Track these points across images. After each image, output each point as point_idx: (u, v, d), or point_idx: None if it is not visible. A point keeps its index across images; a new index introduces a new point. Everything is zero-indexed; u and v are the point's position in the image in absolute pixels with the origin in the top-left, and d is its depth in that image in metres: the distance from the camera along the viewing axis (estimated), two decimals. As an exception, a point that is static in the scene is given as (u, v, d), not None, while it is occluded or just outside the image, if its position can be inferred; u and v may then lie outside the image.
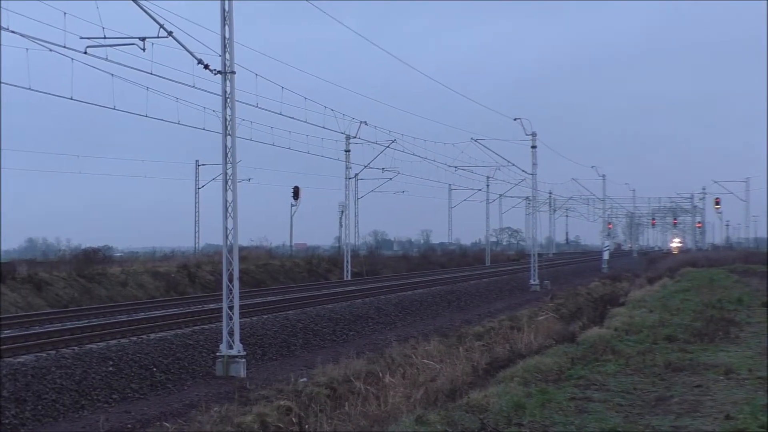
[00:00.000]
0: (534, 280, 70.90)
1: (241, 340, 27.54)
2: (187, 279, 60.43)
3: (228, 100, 27.31)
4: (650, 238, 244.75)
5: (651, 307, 34.61)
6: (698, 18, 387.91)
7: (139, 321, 34.51)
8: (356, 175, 78.52)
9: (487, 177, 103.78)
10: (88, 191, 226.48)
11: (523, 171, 79.55)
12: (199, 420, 17.99)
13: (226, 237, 27.50)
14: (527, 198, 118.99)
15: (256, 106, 36.69)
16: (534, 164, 73.44)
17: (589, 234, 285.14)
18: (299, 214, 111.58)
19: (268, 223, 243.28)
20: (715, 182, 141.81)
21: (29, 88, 28.18)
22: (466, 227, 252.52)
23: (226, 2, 26.87)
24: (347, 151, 70.89)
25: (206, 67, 27.31)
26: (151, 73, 28.36)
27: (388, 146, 69.62)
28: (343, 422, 16.95)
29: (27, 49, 27.40)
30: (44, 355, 25.00)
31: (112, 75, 29.65)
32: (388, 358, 23.97)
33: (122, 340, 28.62)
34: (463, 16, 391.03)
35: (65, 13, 26.66)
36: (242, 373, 26.74)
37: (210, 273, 61.94)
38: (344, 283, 65.76)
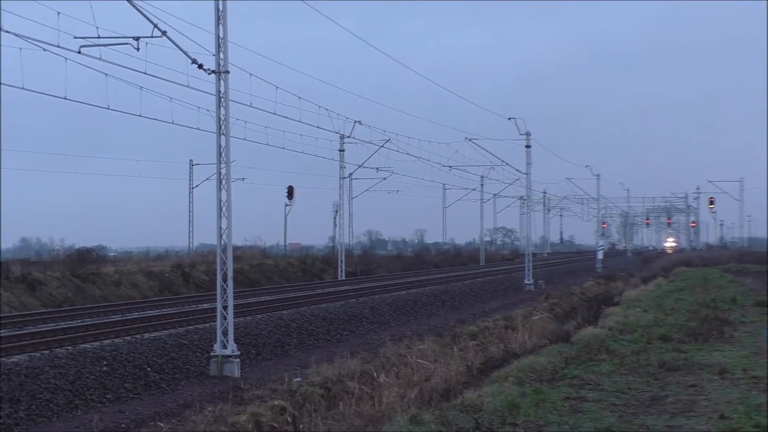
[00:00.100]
0: (528, 280, 70.91)
1: (236, 340, 27.51)
2: (181, 279, 60.35)
3: (222, 99, 27.29)
4: (644, 238, 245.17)
5: (645, 307, 34.64)
6: (697, 18, 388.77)
7: (133, 321, 34.47)
8: (350, 174, 78.59)
9: (482, 176, 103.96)
10: (82, 191, 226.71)
11: (517, 170, 79.63)
12: (193, 420, 17.96)
13: (221, 237, 27.48)
14: (521, 197, 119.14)
15: (251, 106, 36.73)
16: (528, 164, 73.48)
17: (584, 233, 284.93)
18: (293, 213, 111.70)
19: (262, 222, 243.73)
20: (710, 182, 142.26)
21: (23, 88, 28.18)
22: (461, 227, 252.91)
23: (220, 2, 26.84)
24: (341, 150, 70.85)
25: (200, 66, 27.28)
26: (145, 73, 28.36)
27: (382, 146, 69.71)
28: (338, 422, 16.94)
29: (20, 48, 27.40)
30: (38, 354, 24.96)
31: (106, 75, 29.64)
32: (383, 358, 23.96)
33: (116, 340, 28.58)
34: (462, 16, 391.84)
35: (59, 13, 26.63)
36: (236, 373, 26.71)
37: (204, 273, 61.87)
38: (338, 283, 65.71)
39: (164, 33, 26.31)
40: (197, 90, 30.48)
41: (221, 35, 27.00)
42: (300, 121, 46.83)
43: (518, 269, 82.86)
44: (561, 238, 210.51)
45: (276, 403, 18.26)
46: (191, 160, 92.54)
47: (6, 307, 41.69)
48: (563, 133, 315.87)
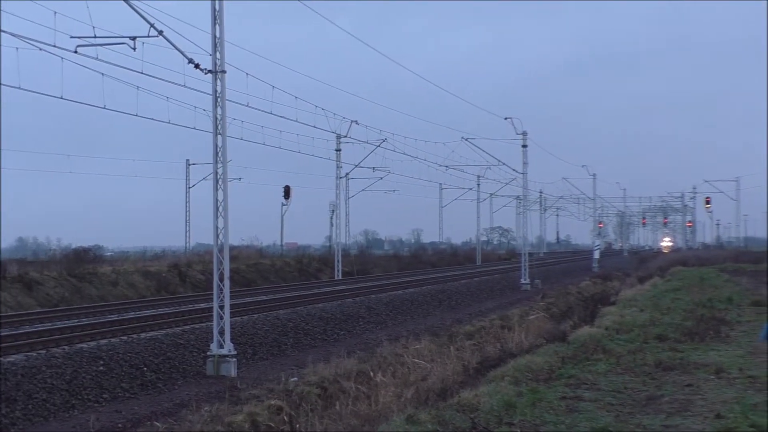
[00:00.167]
0: (525, 280, 70.93)
1: (232, 340, 27.52)
2: (178, 278, 60.35)
3: (218, 99, 27.28)
4: (641, 238, 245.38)
5: (642, 307, 34.65)
6: (695, 18, 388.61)
7: (129, 320, 34.47)
8: (347, 174, 78.59)
9: (478, 176, 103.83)
10: (79, 191, 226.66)
11: (513, 170, 79.64)
12: (189, 419, 17.97)
13: (217, 236, 27.48)
14: (518, 197, 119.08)
15: (247, 106, 36.69)
16: (525, 163, 73.46)
17: (580, 233, 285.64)
18: (290, 213, 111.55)
19: (258, 222, 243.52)
20: (706, 181, 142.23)
21: (19, 88, 28.16)
22: (457, 226, 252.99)
23: (217, 2, 26.84)
24: (338, 150, 70.82)
25: (197, 66, 27.27)
26: (142, 73, 28.34)
27: (378, 145, 69.67)
28: (334, 421, 16.95)
29: (17, 48, 27.39)
30: (34, 354, 24.96)
31: (103, 74, 29.63)
32: (379, 358, 23.98)
33: (113, 340, 28.58)
34: (459, 16, 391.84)
35: (55, 13, 26.63)
36: (233, 373, 26.72)
37: (201, 272, 61.87)
38: (335, 283, 65.72)
39: (161, 33, 26.30)
40: (194, 90, 30.52)
41: (218, 35, 27.00)
42: (297, 121, 46.81)
43: (515, 269, 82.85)
44: (557, 238, 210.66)
45: (273, 402, 18.28)
46: (188, 160, 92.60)
47: (3, 306, 41.67)
48: (560, 133, 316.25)
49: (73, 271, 52.09)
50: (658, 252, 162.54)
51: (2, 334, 29.02)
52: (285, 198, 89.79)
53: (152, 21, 26.20)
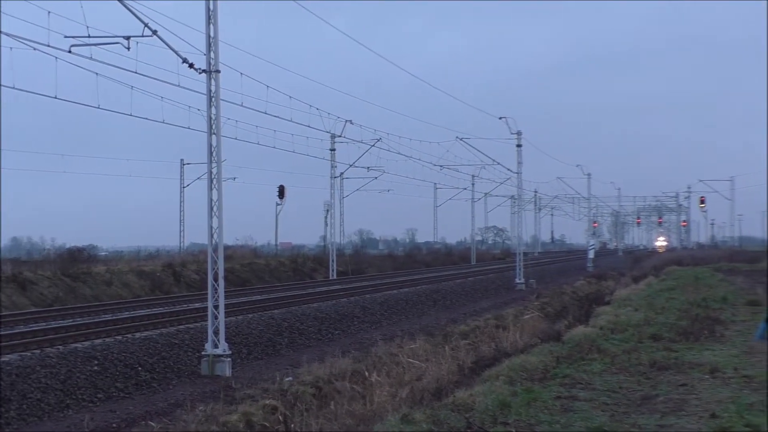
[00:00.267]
0: (519, 279, 70.96)
1: (227, 339, 27.51)
2: (172, 278, 60.31)
3: (213, 99, 27.27)
4: (635, 237, 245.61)
5: (636, 306, 34.66)
6: (692, 17, 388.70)
7: (124, 320, 34.44)
8: (341, 174, 78.50)
9: (473, 176, 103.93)
10: (73, 190, 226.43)
11: (508, 170, 79.68)
12: (184, 419, 17.95)
13: (211, 236, 27.47)
14: (512, 197, 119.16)
15: (241, 105, 36.72)
16: (519, 163, 73.48)
17: (575, 233, 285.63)
18: (284, 213, 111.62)
19: (253, 222, 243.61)
20: (701, 181, 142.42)
21: (13, 87, 28.13)
22: (452, 226, 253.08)
23: (211, 1, 26.83)
24: (332, 150, 70.79)
25: (191, 66, 27.26)
26: (136, 72, 28.32)
27: (373, 145, 69.70)
28: (329, 421, 16.93)
29: (11, 48, 27.35)
30: (29, 354, 24.93)
31: (97, 74, 29.62)
32: (374, 357, 23.96)
33: (107, 340, 28.55)
34: (456, 15, 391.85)
35: (49, 12, 26.60)
36: (227, 373, 26.71)
37: (195, 272, 61.82)
38: (329, 282, 65.72)
39: (155, 32, 26.28)
40: (188, 89, 30.48)
41: (212, 34, 26.99)
42: (291, 121, 46.83)
43: (509, 268, 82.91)
44: (552, 238, 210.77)
45: (267, 402, 18.25)
46: (182, 160, 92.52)
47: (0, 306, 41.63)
48: (555, 133, 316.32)
49: (67, 271, 52.02)
50: (653, 251, 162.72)
51: (-4, 333, 29.01)
52: (279, 197, 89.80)
53: (146, 20, 26.20)
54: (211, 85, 27.23)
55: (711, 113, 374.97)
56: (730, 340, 24.98)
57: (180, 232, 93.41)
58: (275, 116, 43.71)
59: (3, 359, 23.81)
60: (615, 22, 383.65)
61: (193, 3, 30.59)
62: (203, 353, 27.15)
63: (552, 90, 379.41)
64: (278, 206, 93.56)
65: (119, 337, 29.16)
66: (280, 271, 74.35)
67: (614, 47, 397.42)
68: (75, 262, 57.04)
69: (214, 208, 27.43)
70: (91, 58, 26.74)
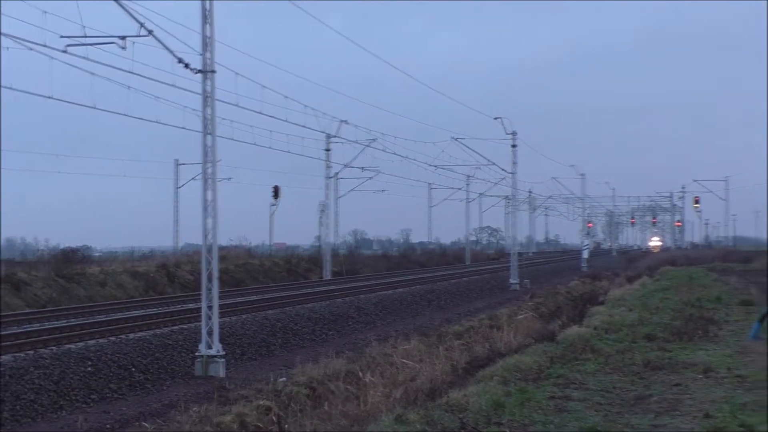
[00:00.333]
0: (514, 279, 70.99)
1: (221, 340, 27.49)
2: (167, 279, 60.26)
3: (208, 99, 27.27)
4: (629, 237, 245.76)
5: (630, 306, 34.69)
6: (688, 17, 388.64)
7: (117, 321, 34.42)
8: (336, 174, 78.51)
9: (467, 176, 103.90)
10: (67, 191, 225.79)
11: (503, 170, 79.71)
12: (178, 420, 17.96)
13: (206, 236, 27.46)
14: (507, 197, 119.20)
15: (237, 105, 36.70)
16: (514, 163, 73.56)
17: (569, 233, 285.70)
18: (279, 213, 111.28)
19: (247, 222, 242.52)
20: (695, 181, 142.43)
21: (9, 87, 28.13)
22: (446, 226, 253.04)
23: (207, 1, 26.81)
24: (327, 150, 70.78)
25: (186, 66, 27.25)
26: (132, 72, 28.32)
27: (368, 145, 69.69)
28: (323, 422, 16.93)
29: (7, 48, 27.34)
30: (22, 355, 24.90)
31: (92, 74, 29.63)
32: (368, 358, 23.97)
33: (101, 340, 28.53)
34: (452, 15, 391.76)
35: (45, 12, 26.62)
36: (221, 373, 26.69)
37: (189, 272, 61.78)
38: (324, 283, 65.71)
39: (150, 32, 26.28)
40: (183, 89, 30.52)
41: (208, 35, 26.99)
42: (286, 121, 46.89)
43: (504, 269, 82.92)
44: (546, 238, 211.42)
45: (261, 403, 18.26)
46: (177, 160, 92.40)
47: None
48: (549, 133, 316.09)
49: (61, 272, 51.94)
50: (647, 251, 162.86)
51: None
52: (274, 198, 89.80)
53: (142, 20, 26.22)
54: (206, 85, 27.23)
55: (709, 113, 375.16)
56: (724, 340, 25.01)
57: (174, 232, 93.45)
58: (270, 116, 43.79)
59: (-3, 360, 23.80)
60: (613, 22, 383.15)
61: (189, 3, 30.55)
62: (197, 354, 27.14)
63: (548, 90, 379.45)
64: (273, 206, 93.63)
65: (113, 338, 29.13)
66: (274, 271, 74.33)
67: (612, 47, 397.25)
68: (69, 263, 56.96)
69: (209, 209, 27.42)
70: (86, 58, 26.77)
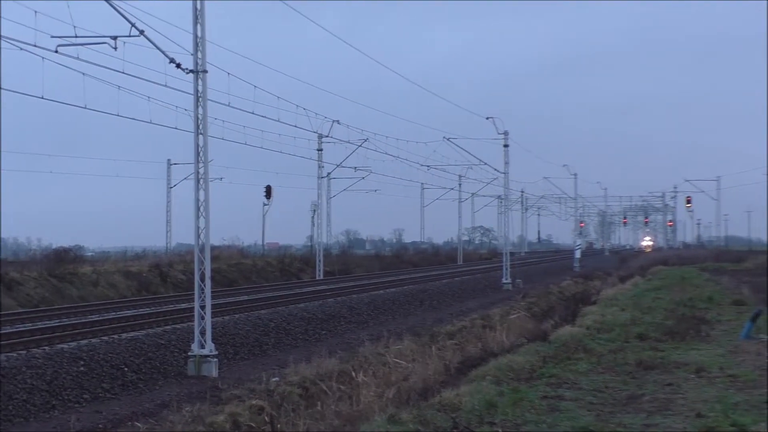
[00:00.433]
0: (506, 279, 70.97)
1: (213, 340, 27.47)
2: (159, 278, 60.20)
3: (200, 99, 27.24)
4: (622, 237, 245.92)
5: (623, 306, 34.77)
6: (683, 17, 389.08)
7: (110, 321, 34.37)
8: (329, 174, 78.56)
9: (460, 176, 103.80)
10: (59, 191, 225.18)
11: (495, 170, 79.67)
12: (170, 420, 17.93)
13: (198, 236, 27.44)
14: (499, 197, 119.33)
15: (229, 105, 36.62)
16: (506, 163, 73.54)
17: (561, 233, 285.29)
18: (271, 213, 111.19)
19: (240, 222, 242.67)
20: (687, 181, 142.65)
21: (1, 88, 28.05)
22: (439, 226, 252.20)
23: (198, 1, 26.79)
24: (319, 150, 70.74)
25: (178, 66, 27.22)
26: (123, 72, 28.28)
27: (360, 145, 69.61)
28: (316, 421, 16.93)
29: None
30: (15, 355, 24.86)
31: (84, 74, 29.52)
32: (361, 357, 23.96)
33: (93, 340, 28.49)
34: (443, 15, 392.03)
35: (36, 12, 26.55)
36: (214, 373, 26.67)
37: (182, 272, 61.71)
38: (316, 283, 65.69)
39: (142, 32, 26.25)
40: (175, 89, 30.44)
41: (199, 34, 26.96)
42: (278, 121, 46.73)
43: (496, 268, 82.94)
44: (539, 238, 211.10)
45: (254, 402, 18.25)
46: (169, 160, 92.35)
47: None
48: (542, 133, 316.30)
49: (53, 272, 51.88)
50: (639, 251, 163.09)
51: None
52: (266, 198, 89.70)
53: (133, 20, 26.17)
54: (198, 85, 27.20)
55: (700, 113, 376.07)
56: (716, 339, 25.07)
57: (167, 232, 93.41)
58: (262, 116, 43.67)
59: (-11, 360, 23.77)
60: (604, 22, 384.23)
61: (181, 3, 30.53)
62: (190, 354, 27.11)
63: (540, 90, 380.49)
64: (265, 206, 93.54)
65: (105, 338, 29.10)
66: (267, 271, 74.29)
67: (604, 48, 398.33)
68: (61, 263, 56.83)
69: (201, 209, 27.40)
70: (77, 58, 26.72)
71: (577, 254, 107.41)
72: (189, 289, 42.15)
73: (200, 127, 27.30)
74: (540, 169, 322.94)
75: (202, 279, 27.22)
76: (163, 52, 27.03)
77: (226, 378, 26.12)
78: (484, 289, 66.41)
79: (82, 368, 24.44)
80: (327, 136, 68.06)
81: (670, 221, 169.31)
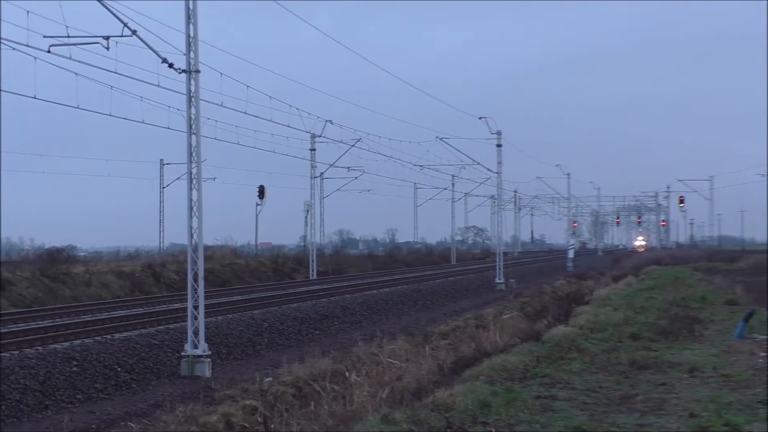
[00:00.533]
0: (499, 279, 70.98)
1: (207, 340, 27.45)
2: (152, 278, 60.13)
3: (192, 99, 27.22)
4: (615, 237, 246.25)
5: (616, 306, 34.79)
6: (679, 18, 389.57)
7: (103, 321, 34.32)
8: (321, 174, 78.51)
9: (453, 176, 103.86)
10: (52, 191, 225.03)
11: (488, 170, 79.72)
12: (164, 420, 17.90)
13: (191, 236, 27.41)
14: (492, 197, 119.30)
15: (221, 105, 36.62)
16: (499, 163, 73.53)
17: (555, 233, 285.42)
18: (264, 213, 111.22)
19: (233, 222, 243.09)
20: (680, 180, 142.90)
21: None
22: (432, 226, 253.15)
23: (191, 1, 26.77)
24: (312, 150, 70.76)
25: (171, 65, 27.19)
26: (116, 72, 28.25)
27: (353, 145, 69.64)
28: (309, 421, 16.92)
29: (-3, 49, 27.22)
30: (7, 355, 24.81)
31: (76, 74, 29.49)
32: (354, 357, 23.95)
33: (86, 340, 28.46)
34: (437, 16, 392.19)
35: (28, 12, 26.51)
36: (207, 373, 26.65)
37: (175, 272, 61.65)
38: (310, 282, 65.66)
39: (134, 32, 26.22)
40: (168, 89, 30.39)
41: (192, 34, 26.94)
42: (271, 121, 46.73)
43: (489, 268, 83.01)
44: (532, 237, 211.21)
45: (247, 402, 18.22)
46: (162, 160, 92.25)
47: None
48: (535, 133, 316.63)
49: (46, 272, 51.80)
50: (633, 251, 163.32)
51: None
52: (259, 198, 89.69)
53: (126, 20, 26.14)
54: (190, 85, 27.18)
55: (694, 113, 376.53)
56: (709, 339, 25.10)
57: (160, 232, 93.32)
58: (255, 116, 43.70)
59: (-19, 360, 23.72)
60: (599, 23, 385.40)
61: (173, 3, 30.51)
62: (183, 354, 27.09)
63: (533, 90, 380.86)
64: (258, 206, 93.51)
65: (99, 338, 29.07)
66: (260, 271, 74.26)
67: (597, 48, 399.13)
68: (54, 263, 56.72)
69: (194, 209, 27.38)
70: (70, 58, 26.68)
71: (570, 254, 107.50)
72: (182, 289, 42.12)
73: (193, 127, 27.28)
74: (533, 169, 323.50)
75: (195, 279, 27.20)
76: (155, 52, 27.00)
77: (220, 378, 26.09)
78: (477, 289, 66.43)
79: (75, 368, 24.41)
80: (320, 136, 68.12)
81: (663, 221, 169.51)
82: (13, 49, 25.97)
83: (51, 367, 23.88)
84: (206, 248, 32.14)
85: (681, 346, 23.35)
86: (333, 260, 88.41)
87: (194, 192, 27.39)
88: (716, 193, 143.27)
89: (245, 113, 41.12)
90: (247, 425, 16.98)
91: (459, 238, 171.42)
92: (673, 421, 14.07)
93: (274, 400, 18.95)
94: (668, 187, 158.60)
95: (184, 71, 27.14)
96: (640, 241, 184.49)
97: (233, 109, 39.41)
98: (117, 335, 29.96)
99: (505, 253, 78.71)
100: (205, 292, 28.20)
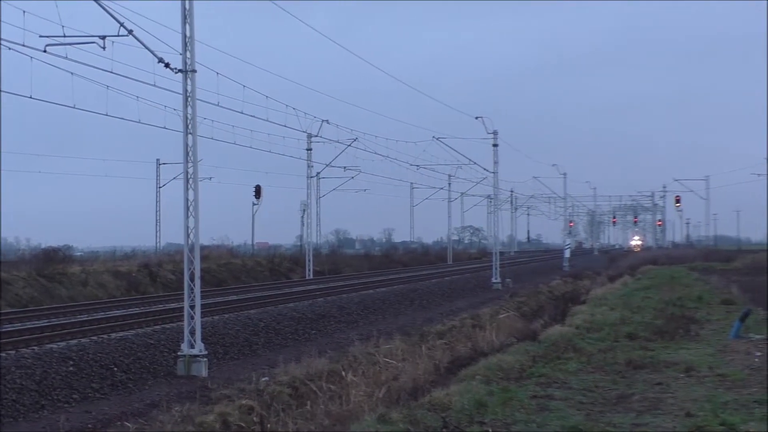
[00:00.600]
0: (496, 279, 70.97)
1: (203, 340, 27.44)
2: (149, 278, 60.12)
3: (189, 98, 27.21)
4: (611, 237, 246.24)
5: (612, 305, 34.81)
6: (673, 17, 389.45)
7: (99, 321, 34.32)
8: (318, 173, 78.50)
9: (449, 175, 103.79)
10: (48, 190, 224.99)
11: (484, 169, 79.70)
12: (160, 419, 17.90)
13: (188, 236, 27.40)
14: (489, 196, 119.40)
15: (218, 105, 36.58)
16: (495, 162, 73.54)
17: (551, 232, 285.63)
18: (261, 212, 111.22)
19: (229, 222, 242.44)
20: (676, 180, 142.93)
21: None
22: (428, 226, 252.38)
23: (187, 1, 26.76)
24: (309, 149, 70.77)
25: (167, 65, 27.18)
26: (112, 72, 28.23)
27: (349, 145, 69.61)
28: (306, 421, 16.93)
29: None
30: (4, 355, 24.80)
31: (72, 74, 29.44)
32: (351, 357, 23.96)
33: (83, 340, 28.45)
34: (434, 16, 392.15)
35: (24, 12, 26.47)
36: (204, 373, 26.64)
37: (171, 272, 61.64)
38: (306, 282, 65.67)
39: (130, 32, 26.21)
40: (164, 89, 30.39)
41: (188, 34, 26.93)
42: (267, 120, 46.67)
43: (486, 268, 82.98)
44: (528, 237, 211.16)
45: (244, 402, 18.24)
46: (158, 160, 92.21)
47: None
48: (531, 133, 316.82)
49: (42, 272, 51.78)
50: (629, 251, 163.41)
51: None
52: (256, 197, 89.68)
53: (122, 20, 26.13)
54: (187, 84, 27.17)
55: (690, 112, 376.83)
56: (706, 339, 25.12)
57: (156, 232, 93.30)
58: (252, 116, 43.61)
59: (-22, 360, 23.70)
60: (595, 22, 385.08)
61: (169, 2, 30.53)
62: (179, 353, 27.08)
63: (529, 90, 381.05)
64: (255, 206, 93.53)
65: (95, 338, 29.07)
66: (256, 271, 74.24)
67: (594, 47, 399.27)
68: (50, 263, 56.68)
69: (191, 208, 27.37)
70: (66, 58, 26.65)
71: (567, 254, 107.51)
72: (178, 288, 42.12)
73: (189, 126, 27.27)
74: (530, 169, 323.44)
75: (192, 279, 27.19)
76: (151, 52, 26.99)
77: (216, 378, 26.09)
78: (473, 289, 66.43)
79: (71, 368, 24.40)
80: (316, 136, 68.14)
81: (660, 221, 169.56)
82: (9, 48, 25.95)
83: (47, 367, 23.87)
84: (203, 248, 32.10)
85: (677, 346, 23.38)
86: (329, 260, 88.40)
87: (191, 192, 27.39)
88: (712, 193, 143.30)
89: (242, 113, 41.07)
90: (243, 425, 16.99)
91: (455, 237, 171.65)
92: (669, 421, 14.09)
93: (270, 399, 18.96)
94: (664, 187, 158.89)
95: (180, 71, 27.13)
96: (636, 241, 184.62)
97: (230, 109, 39.35)
98: (113, 335, 29.96)
99: (501, 253, 78.67)
100: (202, 291, 28.19)
